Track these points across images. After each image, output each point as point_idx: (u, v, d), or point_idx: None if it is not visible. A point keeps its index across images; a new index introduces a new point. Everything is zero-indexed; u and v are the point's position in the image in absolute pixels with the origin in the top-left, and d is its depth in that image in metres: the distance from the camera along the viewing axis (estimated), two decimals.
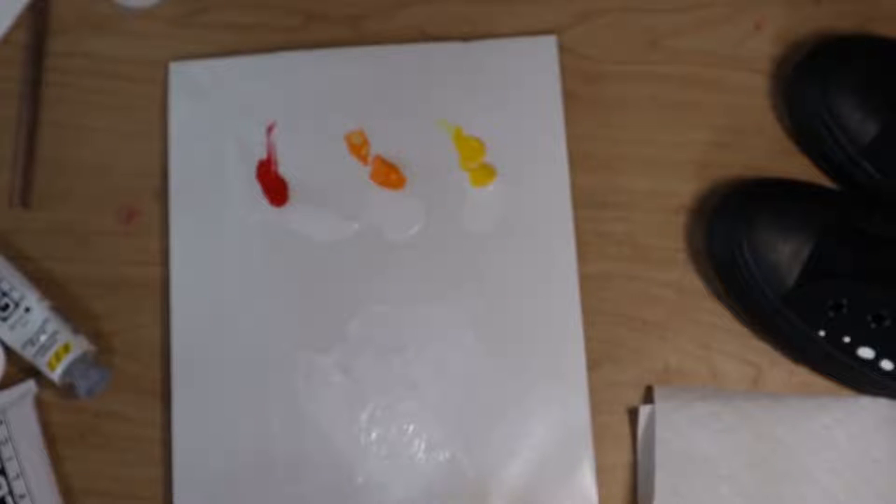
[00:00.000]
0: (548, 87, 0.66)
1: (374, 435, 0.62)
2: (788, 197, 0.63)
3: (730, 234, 0.62)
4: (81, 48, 0.70)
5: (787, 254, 0.61)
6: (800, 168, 0.66)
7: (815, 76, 0.64)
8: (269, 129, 0.67)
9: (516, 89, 0.67)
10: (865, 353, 0.60)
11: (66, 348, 0.62)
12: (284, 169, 0.66)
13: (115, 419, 0.64)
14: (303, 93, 0.67)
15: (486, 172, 0.66)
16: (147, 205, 0.67)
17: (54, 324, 0.63)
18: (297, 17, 0.69)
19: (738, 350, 0.64)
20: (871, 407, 0.61)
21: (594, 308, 0.64)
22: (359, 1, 0.69)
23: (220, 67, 0.68)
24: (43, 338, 0.62)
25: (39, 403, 0.64)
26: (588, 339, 0.63)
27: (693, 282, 0.65)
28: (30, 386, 0.64)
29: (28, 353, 0.63)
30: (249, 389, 0.63)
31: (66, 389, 0.63)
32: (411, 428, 0.62)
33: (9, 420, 0.62)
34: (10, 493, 0.61)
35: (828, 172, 0.65)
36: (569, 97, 0.67)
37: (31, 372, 0.64)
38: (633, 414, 0.62)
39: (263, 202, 0.66)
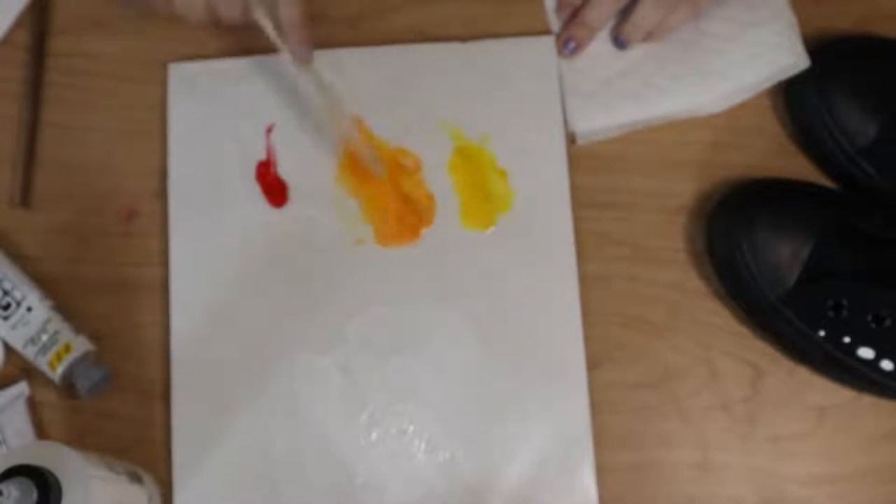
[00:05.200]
0: (547, 87, 0.67)
1: (373, 436, 0.62)
2: (788, 197, 0.63)
3: (730, 234, 0.62)
4: (81, 48, 0.70)
5: (787, 254, 0.61)
6: (800, 168, 0.66)
7: (815, 76, 0.64)
8: (269, 130, 0.67)
9: (516, 89, 0.67)
10: (865, 353, 0.60)
11: (68, 348, 0.62)
12: (284, 170, 0.66)
13: (115, 419, 0.64)
14: (302, 94, 0.67)
15: None
16: (147, 205, 0.67)
17: (56, 323, 0.63)
18: None
19: (738, 350, 0.64)
20: None
21: (594, 308, 0.64)
22: (358, 1, 0.69)
23: (219, 68, 0.68)
24: (44, 337, 0.62)
25: (34, 405, 0.64)
26: (588, 339, 0.63)
27: (693, 282, 0.65)
28: (22, 388, 0.64)
29: (29, 353, 0.63)
30: (249, 390, 0.63)
31: (67, 390, 0.63)
32: (411, 428, 0.62)
33: (1, 422, 0.62)
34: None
35: (828, 172, 0.65)
36: None
37: (24, 374, 0.64)
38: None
39: (263, 203, 0.66)
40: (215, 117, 0.67)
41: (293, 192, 0.66)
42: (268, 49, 0.64)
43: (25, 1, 0.70)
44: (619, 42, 0.67)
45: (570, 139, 0.67)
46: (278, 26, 0.62)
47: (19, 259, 0.66)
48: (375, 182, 0.66)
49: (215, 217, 0.66)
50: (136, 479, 0.59)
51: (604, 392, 0.63)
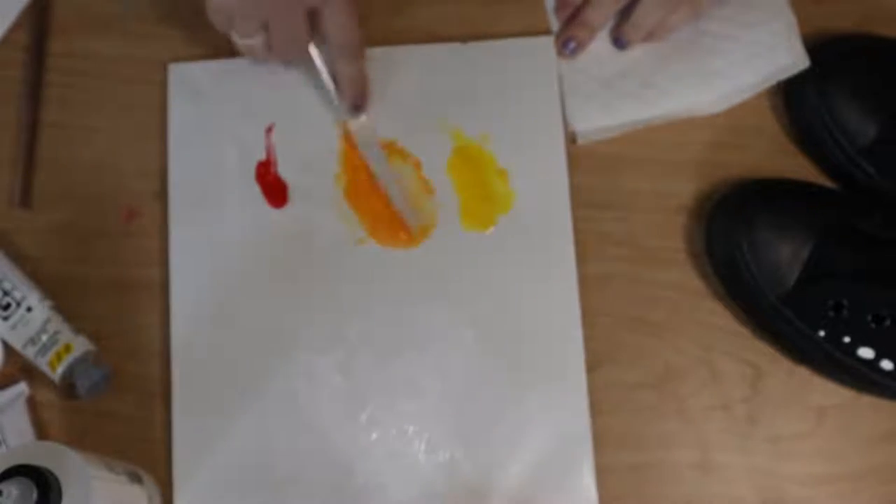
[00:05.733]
0: (547, 87, 0.67)
1: (373, 436, 0.62)
2: (788, 197, 0.63)
3: (730, 234, 0.62)
4: (81, 48, 0.70)
5: (787, 254, 0.61)
6: (800, 168, 0.66)
7: (814, 76, 0.64)
8: (269, 131, 0.67)
9: (516, 90, 0.67)
10: (865, 353, 0.60)
11: (68, 348, 0.62)
12: (284, 170, 0.66)
13: (115, 419, 0.64)
14: (302, 94, 0.67)
15: None
16: (147, 205, 0.67)
17: (55, 324, 0.63)
18: None
19: (738, 350, 0.64)
20: None
21: (594, 308, 0.64)
22: (360, 1, 0.69)
23: (219, 68, 0.68)
24: (44, 337, 0.62)
25: (34, 405, 0.64)
26: (588, 340, 0.63)
27: (693, 282, 0.65)
28: (21, 388, 0.64)
29: (29, 353, 0.63)
30: (249, 390, 0.63)
31: (67, 390, 0.63)
32: (411, 429, 0.62)
33: (1, 422, 0.62)
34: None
35: (828, 172, 0.65)
36: None
37: (24, 374, 0.64)
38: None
39: (263, 203, 0.66)
40: (215, 117, 0.67)
41: (293, 192, 0.66)
42: None
43: (25, 1, 0.70)
44: (619, 42, 0.67)
45: (570, 139, 0.67)
46: (334, 77, 0.64)
47: (19, 259, 0.66)
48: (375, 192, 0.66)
49: (215, 217, 0.66)
50: (136, 479, 0.59)
51: (604, 392, 0.63)
